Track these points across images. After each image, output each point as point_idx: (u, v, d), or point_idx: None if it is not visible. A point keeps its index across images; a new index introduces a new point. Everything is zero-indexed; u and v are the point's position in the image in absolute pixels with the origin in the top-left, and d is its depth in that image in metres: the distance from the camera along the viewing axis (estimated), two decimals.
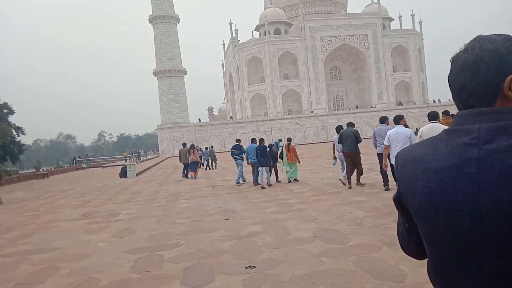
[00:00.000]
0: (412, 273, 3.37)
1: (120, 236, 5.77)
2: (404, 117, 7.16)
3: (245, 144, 16.62)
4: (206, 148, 22.37)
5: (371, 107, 62.76)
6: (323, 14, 67.73)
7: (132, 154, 44.59)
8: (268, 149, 10.87)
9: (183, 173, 15.70)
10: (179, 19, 54.05)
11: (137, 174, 20.13)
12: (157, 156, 52.19)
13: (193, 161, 15.31)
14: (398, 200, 0.84)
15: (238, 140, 12.82)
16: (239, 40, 67.27)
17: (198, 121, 58.01)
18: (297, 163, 10.87)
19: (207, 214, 6.95)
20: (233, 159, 12.28)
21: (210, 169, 20.34)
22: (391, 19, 70.86)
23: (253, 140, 11.15)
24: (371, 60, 64.93)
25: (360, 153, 8.68)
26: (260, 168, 10.31)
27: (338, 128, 9.43)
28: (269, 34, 64.20)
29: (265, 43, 62.46)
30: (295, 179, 10.78)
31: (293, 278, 3.51)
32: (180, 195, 10.04)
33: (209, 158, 20.93)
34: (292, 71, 65.79)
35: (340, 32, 64.11)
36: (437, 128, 5.76)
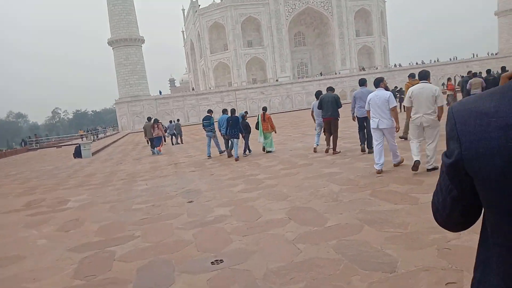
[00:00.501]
0: (402, 259, 2.93)
1: (65, 230, 5.00)
2: (385, 79, 6.79)
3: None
4: (171, 122, 21.19)
5: (335, 74, 62.91)
6: None
7: (88, 131, 42.14)
8: (241, 119, 10.39)
9: (153, 148, 15.14)
10: None
11: (93, 154, 18.85)
12: (116, 133, 49.88)
13: (157, 136, 14.76)
14: (455, 165, 0.73)
15: (209, 111, 12.18)
16: (199, 5, 64.10)
17: (159, 93, 55.60)
18: (274, 132, 10.54)
19: (168, 197, 6.28)
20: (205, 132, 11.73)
21: (177, 143, 19.32)
22: None
23: (224, 111, 10.66)
24: (334, 24, 64.36)
25: (338, 118, 8.49)
26: (231, 140, 9.95)
27: (318, 94, 9.13)
28: None
29: (227, 7, 59.94)
30: (268, 151, 10.39)
31: (267, 274, 2.99)
32: (138, 176, 9.23)
33: (174, 132, 19.85)
34: (255, 37, 64.05)
35: None
36: (429, 88, 5.48)
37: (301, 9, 62.97)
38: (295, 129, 17.85)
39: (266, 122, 10.24)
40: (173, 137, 19.82)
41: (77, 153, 17.84)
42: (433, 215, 0.85)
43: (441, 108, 5.48)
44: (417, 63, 64.94)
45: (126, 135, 40.80)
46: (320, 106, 8.66)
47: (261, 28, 62.13)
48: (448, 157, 0.74)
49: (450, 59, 66.17)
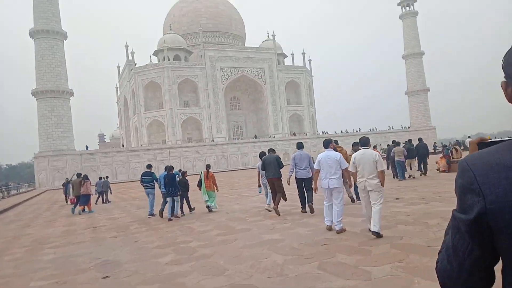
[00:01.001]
0: None
1: None
2: (332, 141, 7.02)
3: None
4: (100, 178, 19.33)
5: (269, 137, 65.14)
6: (222, 45, 69.19)
7: None
8: (179, 177, 10.11)
9: (75, 206, 13.73)
10: (67, 36, 48.74)
11: (4, 211, 16.17)
12: (32, 189, 44.63)
13: (84, 193, 13.52)
14: (477, 221, 0.67)
15: (149, 166, 11.57)
16: (135, 64, 63.89)
17: (85, 148, 51.96)
18: (216, 191, 10.32)
19: (79, 270, 5.16)
20: (143, 188, 11.06)
21: (105, 202, 17.46)
22: (285, 56, 76.17)
23: (166, 168, 10.26)
24: (267, 92, 68.08)
25: (281, 179, 8.74)
26: (168, 199, 9.62)
27: (262, 154, 9.45)
28: (169, 59, 62.56)
29: (165, 68, 60.54)
30: (210, 210, 10.09)
31: None
32: (46, 242, 7.75)
33: (102, 190, 17.99)
34: (192, 98, 64.77)
35: (239, 64, 66.06)
36: (369, 154, 5.70)
37: (236, 76, 66.03)
38: (231, 189, 17.27)
39: (209, 180, 10.08)
40: (101, 195, 18.01)
41: None
42: (442, 285, 0.75)
43: (381, 173, 5.61)
44: (341, 132, 70.35)
45: (44, 192, 36.54)
46: (263, 167, 8.87)
47: (198, 90, 63.31)
48: (465, 213, 0.67)
49: (370, 130, 72.92)
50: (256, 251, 5.34)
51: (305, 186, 8.30)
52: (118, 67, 76.16)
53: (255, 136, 66.16)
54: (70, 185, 18.09)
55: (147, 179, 10.85)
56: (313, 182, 6.79)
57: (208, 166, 10.71)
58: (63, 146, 46.44)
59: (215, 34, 72.99)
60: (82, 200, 13.52)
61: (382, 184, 5.57)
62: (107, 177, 20.06)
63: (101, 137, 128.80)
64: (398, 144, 15.49)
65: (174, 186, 9.56)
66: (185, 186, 10.12)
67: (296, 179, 8.34)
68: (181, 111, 61.52)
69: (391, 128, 74.85)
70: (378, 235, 5.35)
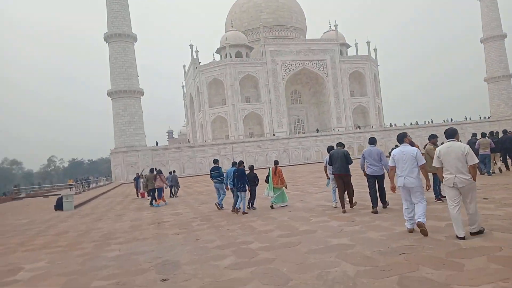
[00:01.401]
0: None
1: None
2: (407, 135, 6.29)
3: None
4: (171, 173, 20.25)
5: (332, 130, 63.25)
6: (283, 39, 68.54)
7: (77, 181, 40.45)
8: (248, 171, 10.17)
9: (153, 200, 14.61)
10: (137, 38, 51.80)
11: (78, 206, 17.49)
12: (109, 183, 48.42)
13: (159, 187, 14.41)
14: None
15: (215, 161, 11.66)
16: (199, 62, 66.04)
17: (155, 144, 55.02)
18: (284, 188, 10.13)
19: (139, 270, 5.06)
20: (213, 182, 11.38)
21: (173, 196, 18.13)
22: (348, 46, 73.13)
23: (233, 164, 10.26)
24: (329, 85, 66.05)
25: (350, 175, 8.48)
26: (238, 193, 9.69)
27: (329, 149, 9.14)
28: (230, 56, 63.64)
29: (227, 65, 61.69)
30: (285, 205, 10.05)
31: None
32: (113, 237, 7.96)
33: (172, 184, 18.69)
34: (253, 94, 65.26)
35: (300, 57, 64.94)
36: (458, 147, 5.10)
37: (297, 69, 64.98)
38: (293, 185, 16.74)
39: (277, 176, 9.95)
40: (171, 189, 18.66)
41: (58, 205, 16.47)
42: None
43: (473, 167, 5.03)
44: (411, 124, 65.75)
45: (119, 185, 39.40)
46: (330, 162, 8.69)
47: (259, 85, 63.52)
48: None
49: (444, 121, 67.19)
50: (322, 258, 4.79)
51: (378, 183, 7.97)
52: (184, 66, 79.50)
53: (317, 130, 64.71)
54: (141, 180, 19.13)
55: (216, 173, 11.04)
56: (390, 181, 6.18)
57: (276, 162, 10.48)
58: (136, 142, 49.62)
59: (276, 29, 72.56)
60: (158, 193, 14.38)
61: (474, 179, 5.06)
62: (174, 171, 20.85)
63: (170, 133, 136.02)
64: (483, 135, 13.81)
65: (244, 180, 9.61)
66: (253, 181, 10.08)
67: (368, 175, 8.03)
68: (243, 107, 62.29)
69: (469, 119, 68.23)
70: (478, 232, 5.07)
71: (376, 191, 7.93)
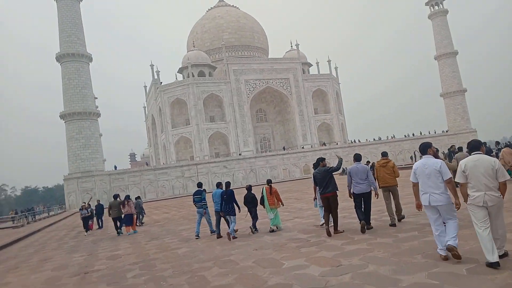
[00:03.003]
0: None
1: None
2: (433, 145, 5.61)
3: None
4: (136, 198, 18.49)
5: (298, 148, 62.92)
6: (246, 58, 68.44)
7: (17, 213, 36.21)
8: (246, 192, 9.73)
9: (118, 229, 13.90)
10: (92, 58, 49.38)
11: (11, 243, 15.12)
12: (62, 212, 44.65)
13: (128, 213, 13.58)
14: None
15: (199, 184, 11.03)
16: (161, 82, 64.14)
17: (114, 168, 51.93)
18: (280, 206, 9.59)
19: None
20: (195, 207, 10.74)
21: (139, 224, 16.56)
22: (310, 65, 74.26)
23: (218, 185, 9.95)
24: (294, 103, 66.21)
25: (336, 194, 7.83)
26: (228, 218, 9.31)
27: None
28: (193, 76, 62.35)
29: (189, 84, 60.26)
30: (277, 228, 9.41)
31: None
32: None
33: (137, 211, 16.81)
34: (218, 113, 64.02)
35: (263, 75, 64.84)
36: (486, 161, 4.50)
37: (261, 88, 64.75)
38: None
39: (273, 196, 9.36)
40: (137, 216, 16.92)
41: None
42: None
43: (504, 184, 4.49)
44: (374, 139, 66.90)
45: (71, 215, 36.08)
46: (315, 182, 8.09)
47: (223, 105, 62.46)
48: None
49: (405, 136, 68.95)
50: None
51: (365, 202, 7.76)
52: (145, 86, 77.15)
53: (284, 148, 64.17)
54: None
55: (198, 198, 10.51)
56: (415, 197, 5.42)
57: (269, 181, 9.75)
58: (92, 167, 46.50)
59: (238, 48, 72.43)
60: (127, 220, 13.52)
61: (503, 197, 4.57)
62: (139, 197, 19.26)
63: (132, 156, 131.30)
64: (460, 149, 13.33)
65: (232, 204, 9.21)
66: (252, 202, 9.48)
67: (355, 194, 7.77)
68: (207, 126, 60.75)
69: (428, 133, 70.53)
70: (503, 255, 4.53)
71: (362, 208, 7.72)
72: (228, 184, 9.61)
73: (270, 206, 9.26)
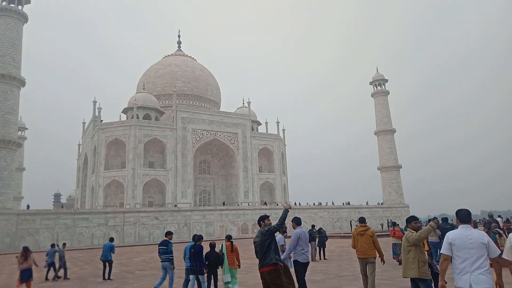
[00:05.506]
0: None
1: None
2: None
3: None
4: (53, 246, 15.60)
5: (238, 205, 60.54)
6: (197, 107, 67.62)
7: None
8: (205, 250, 8.58)
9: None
10: (25, 83, 45.01)
11: None
12: None
13: (28, 267, 10.88)
14: None
15: (168, 233, 9.78)
16: (101, 120, 60.19)
17: (26, 207, 45.28)
18: (237, 267, 8.48)
19: None
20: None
21: (57, 278, 14.16)
22: (259, 123, 75.14)
23: (194, 237, 8.73)
24: (239, 158, 65.17)
25: (279, 268, 5.78)
26: (192, 276, 8.19)
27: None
28: (138, 118, 59.46)
29: (132, 126, 57.04)
30: None
31: None
32: None
33: (53, 261, 14.57)
34: (158, 159, 60.64)
35: (212, 127, 63.81)
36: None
37: (208, 139, 63.35)
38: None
39: (233, 255, 8.29)
40: (50, 267, 14.55)
41: None
42: None
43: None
44: (314, 204, 66.86)
45: None
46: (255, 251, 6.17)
47: (166, 151, 59.52)
48: None
49: (344, 203, 69.88)
50: None
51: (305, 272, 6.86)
52: (84, 123, 72.19)
53: (224, 203, 61.41)
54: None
55: (163, 249, 9.33)
56: (440, 277, 4.24)
57: (229, 237, 8.69)
58: None
59: (190, 97, 71.69)
60: (26, 275, 10.86)
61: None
62: (64, 244, 16.93)
63: (57, 196, 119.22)
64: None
65: (201, 261, 8.17)
66: (216, 261, 8.33)
67: (298, 264, 6.72)
68: (145, 172, 56.76)
69: (366, 204, 72.26)
70: None
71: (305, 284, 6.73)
72: (199, 237, 8.60)
73: (229, 266, 8.20)
